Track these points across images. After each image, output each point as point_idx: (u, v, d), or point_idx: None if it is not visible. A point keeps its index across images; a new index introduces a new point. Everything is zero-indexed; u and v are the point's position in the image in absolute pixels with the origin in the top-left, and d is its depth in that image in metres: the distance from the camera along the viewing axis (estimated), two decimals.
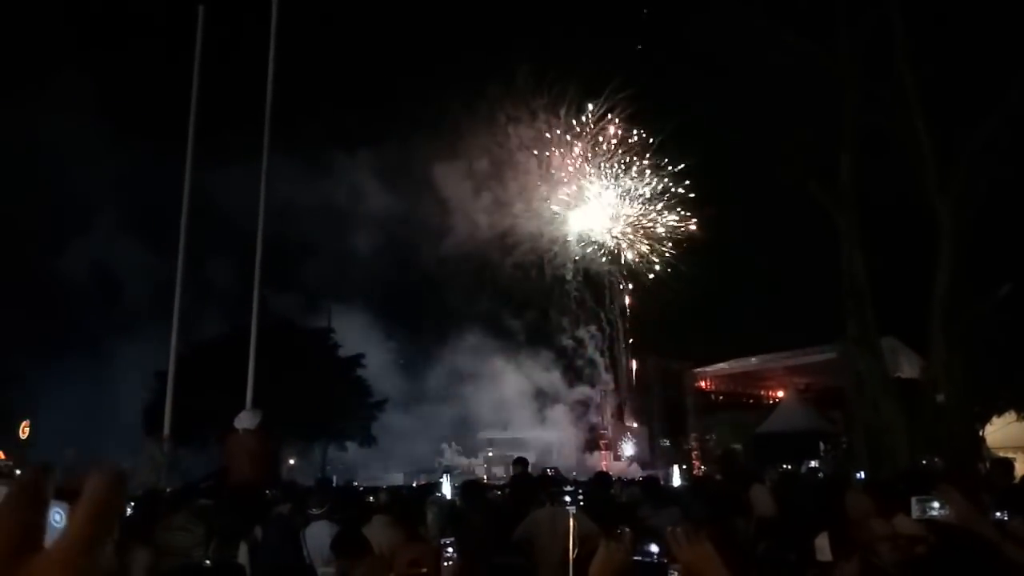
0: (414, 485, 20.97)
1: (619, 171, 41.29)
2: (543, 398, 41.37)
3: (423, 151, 40.58)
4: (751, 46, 18.31)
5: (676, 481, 21.91)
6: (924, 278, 16.76)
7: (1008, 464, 9.87)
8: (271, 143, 15.39)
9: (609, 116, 40.58)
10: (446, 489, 14.89)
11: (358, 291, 41.10)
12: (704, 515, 5.95)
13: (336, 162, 42.19)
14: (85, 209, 39.61)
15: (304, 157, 38.05)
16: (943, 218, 16.39)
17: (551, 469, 22.51)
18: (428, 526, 7.42)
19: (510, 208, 42.06)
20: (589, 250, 42.01)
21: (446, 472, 26.39)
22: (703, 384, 40.74)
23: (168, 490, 10.40)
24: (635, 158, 40.91)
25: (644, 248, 41.22)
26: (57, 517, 0.74)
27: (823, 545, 3.97)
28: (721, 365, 40.04)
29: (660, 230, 40.96)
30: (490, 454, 35.90)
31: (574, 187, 41.90)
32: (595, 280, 42.50)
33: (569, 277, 42.01)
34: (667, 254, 40.61)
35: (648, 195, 41.08)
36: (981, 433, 19.10)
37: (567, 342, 43.00)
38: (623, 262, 41.63)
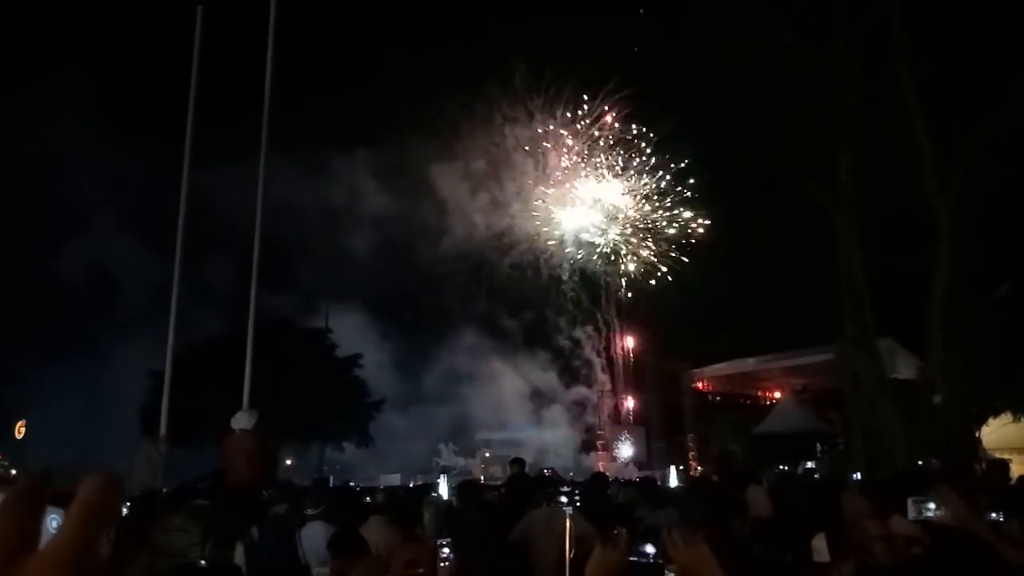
0: (411, 485, 20.95)
1: (616, 171, 41.33)
2: (540, 398, 41.43)
3: (421, 151, 40.64)
4: (749, 45, 18.29)
5: (673, 482, 21.94)
6: (922, 279, 16.76)
7: (1004, 465, 9.89)
8: (269, 143, 15.38)
9: (605, 116, 40.62)
10: (443, 489, 14.90)
11: (355, 291, 41.16)
12: (700, 516, 5.94)
13: (334, 162, 42.23)
14: (82, 209, 39.61)
15: (302, 157, 38.09)
16: (942, 218, 16.39)
17: (548, 469, 22.53)
18: (425, 526, 7.42)
19: (507, 208, 42.11)
20: (585, 252, 42.03)
21: (443, 472, 26.43)
22: (700, 385, 40.73)
23: (165, 490, 10.39)
24: (632, 159, 40.95)
25: (643, 251, 41.25)
26: (54, 523, 0.74)
27: (820, 546, 3.97)
28: (718, 366, 40.02)
29: (656, 229, 40.99)
30: (487, 454, 35.90)
31: (571, 187, 41.94)
32: (592, 280, 42.55)
33: (566, 277, 42.03)
34: (664, 254, 40.63)
35: (645, 195, 41.12)
36: (978, 434, 19.12)
37: (564, 342, 43.06)
38: (620, 262, 41.64)
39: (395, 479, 27.40)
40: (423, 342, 42.81)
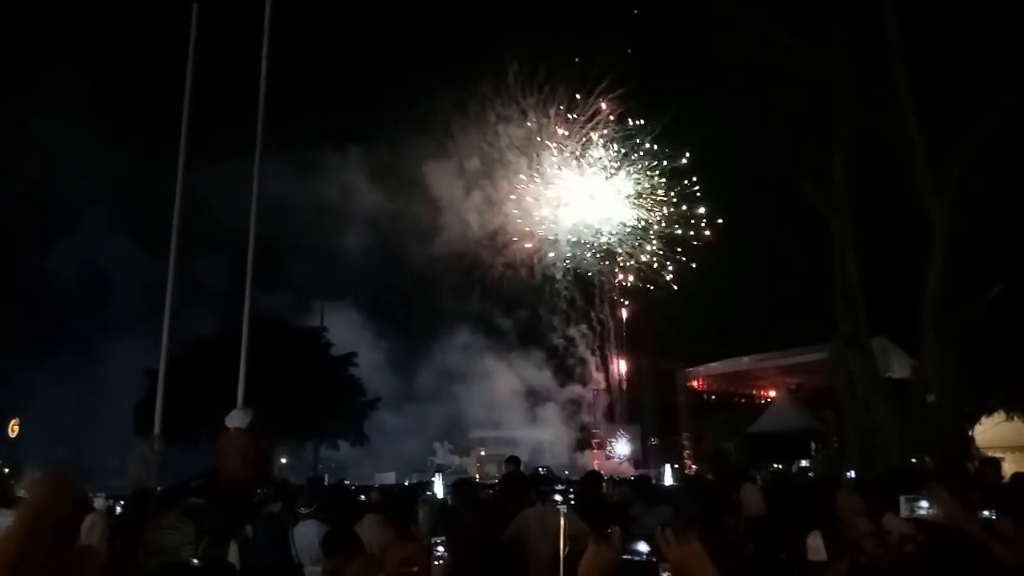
0: (406, 484, 20.93)
1: (611, 172, 41.32)
2: (535, 397, 41.46)
3: (414, 150, 40.67)
4: (745, 45, 18.29)
5: (668, 480, 21.95)
6: (916, 278, 16.80)
7: (996, 464, 9.95)
8: (263, 142, 15.37)
9: (599, 116, 40.59)
10: (438, 488, 14.91)
11: (350, 290, 41.16)
12: (695, 514, 5.95)
13: (328, 161, 42.21)
14: (76, 207, 39.53)
15: (296, 156, 38.06)
16: (936, 218, 16.42)
17: (543, 468, 22.53)
18: (419, 525, 7.41)
19: (500, 207, 42.09)
20: (579, 250, 42.02)
21: (438, 471, 26.40)
22: (695, 383, 40.76)
23: (158, 488, 10.38)
24: (626, 157, 40.93)
25: (637, 251, 41.24)
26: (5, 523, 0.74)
27: (816, 545, 3.98)
28: (713, 364, 40.05)
29: (649, 229, 40.99)
30: (482, 453, 35.90)
31: (564, 186, 41.92)
32: (585, 279, 42.56)
33: (559, 276, 42.04)
34: (661, 254, 40.64)
35: (638, 194, 41.12)
36: (971, 433, 19.16)
37: (558, 341, 43.07)
38: (616, 261, 41.64)
39: (390, 477, 27.40)
40: (418, 341, 42.91)
